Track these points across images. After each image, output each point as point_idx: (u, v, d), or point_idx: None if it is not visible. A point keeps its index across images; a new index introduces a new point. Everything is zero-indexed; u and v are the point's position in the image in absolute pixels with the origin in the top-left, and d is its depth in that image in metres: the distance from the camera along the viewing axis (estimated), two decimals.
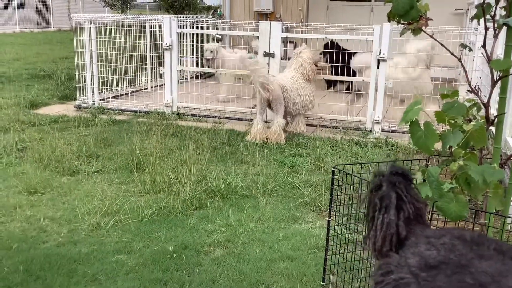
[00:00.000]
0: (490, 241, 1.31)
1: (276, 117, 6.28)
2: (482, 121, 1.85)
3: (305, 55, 6.52)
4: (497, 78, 2.10)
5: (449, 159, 1.70)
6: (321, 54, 7.08)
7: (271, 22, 7.21)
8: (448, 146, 1.77)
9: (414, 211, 1.54)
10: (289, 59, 7.55)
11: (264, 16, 11.08)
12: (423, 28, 2.07)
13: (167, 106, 7.49)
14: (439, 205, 1.57)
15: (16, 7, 25.28)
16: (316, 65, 6.64)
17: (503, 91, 2.17)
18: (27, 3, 27.13)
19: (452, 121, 1.69)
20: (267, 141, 6.13)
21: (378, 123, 6.60)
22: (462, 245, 1.29)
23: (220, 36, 9.64)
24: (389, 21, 2.06)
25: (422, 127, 1.77)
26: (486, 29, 2.12)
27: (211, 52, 8.10)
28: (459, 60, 2.31)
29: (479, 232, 1.37)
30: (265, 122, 6.53)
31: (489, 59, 2.11)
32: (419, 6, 1.95)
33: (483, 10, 2.02)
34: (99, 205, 4.09)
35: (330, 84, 8.82)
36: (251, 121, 6.65)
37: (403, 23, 2.07)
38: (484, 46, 2.14)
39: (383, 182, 1.59)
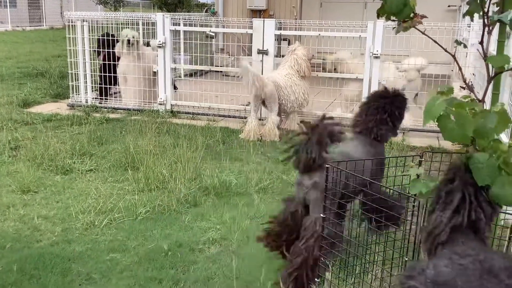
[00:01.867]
0: None
1: (270, 114, 6.28)
2: (503, 105, 1.81)
3: (300, 52, 6.52)
4: (493, 74, 2.10)
5: (465, 152, 1.66)
6: None
7: (265, 19, 7.21)
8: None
9: (469, 219, 1.52)
10: (283, 56, 7.54)
11: (257, 13, 11.07)
12: (417, 26, 2.07)
13: (161, 104, 7.47)
14: (495, 191, 1.51)
15: (8, 5, 25.10)
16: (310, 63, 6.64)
17: (496, 87, 2.18)
18: (19, 2, 26.94)
19: (473, 110, 1.65)
20: (262, 138, 6.12)
21: None
22: (476, 271, 1.31)
23: (213, 34, 9.63)
24: (378, 17, 2.06)
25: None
26: (485, 25, 2.12)
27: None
28: (453, 57, 2.31)
29: None
30: (260, 119, 6.53)
31: (485, 56, 2.11)
32: (410, 2, 1.94)
33: (481, 6, 2.01)
34: (93, 204, 4.08)
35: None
36: (245, 118, 6.65)
37: (394, 20, 2.06)
38: (481, 42, 2.14)
39: (458, 177, 1.57)
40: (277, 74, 6.47)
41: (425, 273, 1.36)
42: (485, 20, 2.10)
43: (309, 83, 6.68)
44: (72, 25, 7.72)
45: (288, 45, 9.53)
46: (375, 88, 6.52)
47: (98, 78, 8.01)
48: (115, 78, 7.92)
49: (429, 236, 1.55)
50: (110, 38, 7.86)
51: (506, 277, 1.29)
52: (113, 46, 7.77)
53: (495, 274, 1.30)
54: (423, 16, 2.02)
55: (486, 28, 2.12)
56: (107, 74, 7.75)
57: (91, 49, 7.78)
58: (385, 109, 3.31)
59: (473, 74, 6.58)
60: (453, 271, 1.33)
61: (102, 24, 8.15)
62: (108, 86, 7.96)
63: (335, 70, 7.20)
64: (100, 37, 7.81)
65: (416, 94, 6.94)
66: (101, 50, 7.75)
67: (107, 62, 7.71)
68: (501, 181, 1.50)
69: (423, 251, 1.63)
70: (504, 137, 4.69)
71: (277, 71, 6.62)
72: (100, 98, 7.85)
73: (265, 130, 6.18)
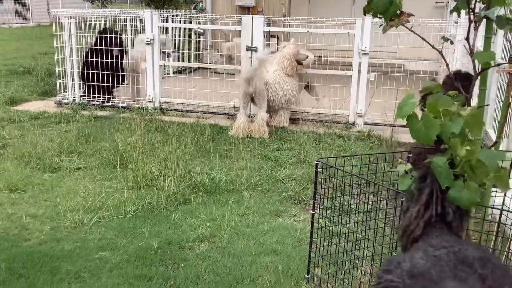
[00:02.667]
0: (487, 265, 1.34)
1: (260, 111, 6.28)
2: (477, 107, 1.86)
3: (286, 50, 6.52)
4: (479, 70, 2.12)
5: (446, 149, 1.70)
6: None
7: (253, 16, 7.19)
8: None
9: (439, 215, 1.56)
10: (272, 53, 7.53)
11: (246, 10, 11.05)
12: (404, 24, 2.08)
13: (150, 101, 7.44)
14: (452, 194, 1.57)
15: None
16: (300, 63, 6.61)
17: (483, 83, 2.20)
18: None
19: (446, 111, 1.69)
20: (251, 135, 6.12)
21: (360, 116, 6.64)
22: (450, 262, 1.34)
23: (202, 31, 9.59)
24: (364, 14, 2.07)
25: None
26: (471, 21, 2.14)
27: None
28: (441, 53, 2.33)
29: (488, 254, 1.40)
30: (249, 116, 6.53)
31: (471, 52, 2.13)
32: (396, 0, 1.95)
33: (467, 2, 2.03)
34: (81, 202, 4.05)
35: None
36: (234, 116, 6.64)
37: (380, 17, 2.07)
38: (467, 38, 2.16)
39: (429, 175, 1.61)
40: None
41: (401, 266, 1.39)
42: (471, 17, 2.11)
43: (297, 80, 6.68)
44: (59, 22, 7.65)
45: (277, 42, 9.53)
46: (363, 84, 6.55)
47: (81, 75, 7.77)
48: (121, 76, 7.73)
49: (405, 232, 1.59)
50: (117, 36, 7.65)
51: (480, 267, 1.32)
52: (120, 43, 7.62)
53: (469, 263, 1.33)
54: (410, 15, 2.03)
55: (473, 25, 2.14)
56: (111, 73, 7.53)
57: (93, 47, 7.56)
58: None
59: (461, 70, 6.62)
60: (428, 263, 1.36)
61: (89, 21, 8.08)
62: (112, 84, 7.72)
63: (232, 59, 7.22)
64: (103, 35, 7.56)
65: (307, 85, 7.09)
66: (113, 48, 7.51)
67: (116, 61, 7.54)
68: (458, 185, 1.57)
69: (400, 248, 1.68)
70: (490, 131, 4.74)
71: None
72: (103, 97, 7.63)
73: (254, 127, 6.18)
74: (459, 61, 6.68)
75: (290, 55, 6.50)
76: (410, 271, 1.35)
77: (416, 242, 1.56)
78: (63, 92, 7.80)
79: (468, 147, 1.57)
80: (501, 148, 3.87)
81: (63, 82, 7.78)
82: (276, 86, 6.36)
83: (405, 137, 6.13)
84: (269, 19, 7.50)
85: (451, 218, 1.57)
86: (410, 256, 1.43)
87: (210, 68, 8.82)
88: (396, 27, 2.02)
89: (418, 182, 1.65)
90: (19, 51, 14.40)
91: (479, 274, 1.30)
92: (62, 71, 7.75)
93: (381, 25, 2.15)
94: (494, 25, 2.10)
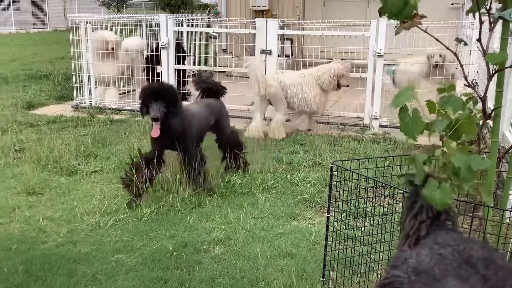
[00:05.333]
0: (490, 266, 1.34)
1: (276, 113, 6.30)
2: (478, 114, 1.86)
3: (335, 66, 6.32)
4: (493, 71, 2.10)
5: (435, 147, 1.72)
6: None
7: (268, 19, 7.21)
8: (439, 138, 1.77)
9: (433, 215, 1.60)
10: (286, 56, 7.55)
11: (260, 13, 11.07)
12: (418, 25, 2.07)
13: None
14: (425, 192, 1.59)
15: (11, 8, 25.20)
16: (339, 85, 6.39)
17: (499, 84, 2.17)
18: (23, 4, 27.04)
19: (443, 111, 1.69)
20: (267, 136, 6.14)
21: (376, 118, 6.60)
22: (454, 261, 1.35)
23: (216, 34, 9.63)
24: (380, 16, 2.06)
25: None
26: (481, 22, 2.12)
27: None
28: (455, 54, 2.31)
29: (493, 254, 1.41)
30: (264, 119, 6.54)
31: (484, 53, 2.11)
32: (411, 1, 1.94)
33: (477, 4, 2.01)
34: (98, 205, 4.09)
35: None
36: (250, 119, 6.65)
37: (395, 18, 2.06)
38: (479, 40, 2.14)
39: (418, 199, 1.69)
40: (289, 73, 6.44)
41: (407, 262, 1.41)
42: (481, 18, 2.10)
43: (326, 93, 6.48)
44: (75, 27, 7.74)
45: (292, 44, 9.52)
46: (378, 87, 6.51)
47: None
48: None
49: (406, 239, 1.63)
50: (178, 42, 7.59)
51: (483, 267, 1.32)
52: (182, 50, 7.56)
53: (472, 263, 1.33)
54: (422, 16, 2.02)
55: (487, 25, 2.11)
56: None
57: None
58: None
59: (477, 71, 6.56)
60: (432, 261, 1.38)
61: (105, 26, 8.17)
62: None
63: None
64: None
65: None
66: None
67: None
68: (432, 184, 1.58)
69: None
70: (508, 134, 4.68)
71: (300, 70, 6.58)
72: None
73: (270, 128, 6.20)
74: (476, 62, 6.61)
75: (334, 72, 6.30)
76: (416, 268, 1.37)
77: (422, 239, 1.58)
78: (80, 96, 7.89)
79: (444, 148, 1.58)
80: None
81: (79, 86, 7.87)
82: (296, 87, 6.30)
83: (421, 140, 6.07)
84: (283, 22, 7.50)
85: (455, 220, 1.60)
86: (416, 253, 1.45)
87: (224, 71, 8.83)
88: (409, 29, 2.01)
89: (412, 195, 1.72)
90: (36, 56, 14.60)
91: (482, 275, 1.30)
92: (79, 75, 7.84)
93: (395, 26, 2.15)
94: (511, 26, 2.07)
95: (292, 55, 9.73)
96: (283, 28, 7.29)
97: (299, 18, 10.46)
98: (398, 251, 1.65)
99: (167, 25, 7.34)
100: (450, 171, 1.59)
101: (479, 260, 1.34)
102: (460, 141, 1.76)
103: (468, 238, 1.59)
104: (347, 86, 6.42)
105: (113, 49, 7.61)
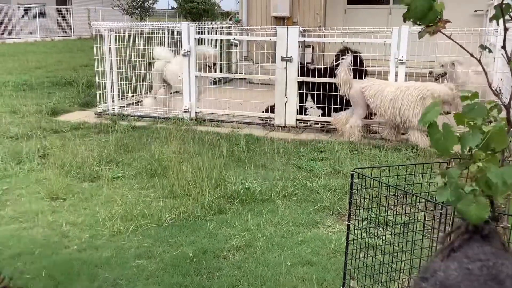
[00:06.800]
0: None
1: (353, 116, 6.46)
2: (503, 122, 1.83)
3: (444, 89, 6.00)
4: None
5: (470, 161, 1.68)
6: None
7: (289, 26, 7.22)
8: (468, 148, 1.74)
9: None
10: (307, 63, 7.54)
11: (281, 21, 11.09)
12: (442, 30, 2.05)
13: (186, 111, 7.54)
14: (460, 207, 1.57)
15: (37, 16, 25.75)
16: (449, 110, 5.99)
17: None
18: (48, 13, 27.63)
19: (472, 123, 1.67)
20: (340, 132, 6.51)
21: None
22: (481, 277, 1.33)
23: (237, 42, 9.68)
24: (404, 21, 2.05)
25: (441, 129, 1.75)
26: (506, 29, 2.09)
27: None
28: (479, 61, 2.28)
29: None
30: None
31: (509, 60, 2.08)
32: (436, 6, 1.93)
33: (501, 10, 1.99)
34: (119, 211, 4.13)
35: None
36: (269, 126, 6.65)
37: (420, 24, 2.05)
38: (504, 47, 2.11)
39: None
40: (389, 82, 6.38)
41: (436, 275, 1.40)
42: (506, 24, 2.07)
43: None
44: (99, 35, 7.87)
45: (312, 51, 9.52)
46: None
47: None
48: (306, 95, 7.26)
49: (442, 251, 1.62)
50: (357, 54, 6.79)
51: (511, 284, 1.29)
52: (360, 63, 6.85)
53: (500, 280, 1.31)
54: (446, 21, 2.00)
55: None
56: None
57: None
58: None
59: (501, 79, 6.46)
60: (459, 276, 1.36)
61: (128, 33, 8.29)
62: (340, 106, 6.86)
63: None
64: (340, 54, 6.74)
65: None
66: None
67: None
68: (468, 199, 1.56)
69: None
70: None
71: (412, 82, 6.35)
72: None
73: (346, 128, 6.46)
74: (500, 70, 6.51)
75: (449, 97, 5.97)
76: (443, 282, 1.36)
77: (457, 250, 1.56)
78: (103, 103, 8.00)
79: (480, 164, 1.55)
80: None
81: (103, 93, 7.98)
82: (378, 97, 6.15)
83: None
84: (304, 29, 7.51)
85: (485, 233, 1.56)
86: (446, 265, 1.43)
87: (245, 78, 8.87)
88: (432, 34, 1.99)
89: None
90: (61, 63, 14.86)
91: None
92: (102, 82, 7.95)
93: (419, 32, 2.13)
94: None
95: (312, 62, 9.72)
96: (304, 36, 7.29)
97: (320, 26, 10.46)
98: (429, 262, 1.64)
99: (188, 33, 7.42)
100: (484, 184, 1.57)
101: (508, 277, 1.32)
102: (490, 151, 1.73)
103: (501, 253, 1.56)
104: (448, 113, 6.22)
105: (214, 64, 7.73)
